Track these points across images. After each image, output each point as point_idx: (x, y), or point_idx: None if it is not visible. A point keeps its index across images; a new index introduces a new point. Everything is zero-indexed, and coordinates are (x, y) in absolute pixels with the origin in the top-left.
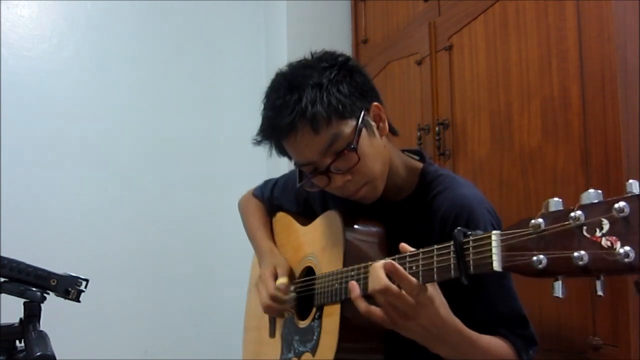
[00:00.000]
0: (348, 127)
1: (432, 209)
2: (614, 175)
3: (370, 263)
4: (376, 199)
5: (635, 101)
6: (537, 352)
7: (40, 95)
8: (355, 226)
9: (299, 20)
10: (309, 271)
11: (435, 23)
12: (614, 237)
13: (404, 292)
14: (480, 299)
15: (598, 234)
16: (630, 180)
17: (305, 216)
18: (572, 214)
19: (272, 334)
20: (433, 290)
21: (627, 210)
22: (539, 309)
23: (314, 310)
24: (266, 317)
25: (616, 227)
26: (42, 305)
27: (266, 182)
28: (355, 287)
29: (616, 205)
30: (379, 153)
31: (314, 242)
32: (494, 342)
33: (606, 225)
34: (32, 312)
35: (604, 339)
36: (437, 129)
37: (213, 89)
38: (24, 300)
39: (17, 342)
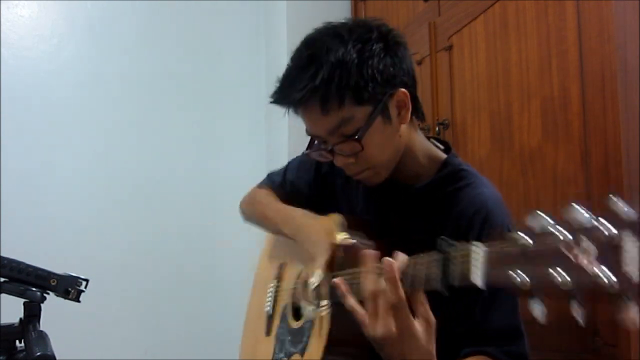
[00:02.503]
0: (362, 112)
1: (451, 202)
2: (614, 175)
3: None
4: (379, 183)
5: (635, 101)
6: None
7: (40, 95)
8: (353, 231)
9: (299, 20)
10: None
11: (435, 23)
12: (597, 260)
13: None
14: (479, 309)
15: (582, 255)
16: (616, 199)
17: (321, 197)
18: (557, 233)
19: (267, 333)
20: (420, 330)
21: (613, 232)
22: None
23: None
24: (264, 317)
25: (601, 251)
26: (42, 305)
27: (271, 172)
28: (341, 284)
29: (602, 228)
30: (390, 142)
31: None
32: None
33: (591, 248)
34: (32, 312)
35: (604, 339)
36: (437, 129)
37: (213, 89)
38: (24, 300)
39: (17, 342)
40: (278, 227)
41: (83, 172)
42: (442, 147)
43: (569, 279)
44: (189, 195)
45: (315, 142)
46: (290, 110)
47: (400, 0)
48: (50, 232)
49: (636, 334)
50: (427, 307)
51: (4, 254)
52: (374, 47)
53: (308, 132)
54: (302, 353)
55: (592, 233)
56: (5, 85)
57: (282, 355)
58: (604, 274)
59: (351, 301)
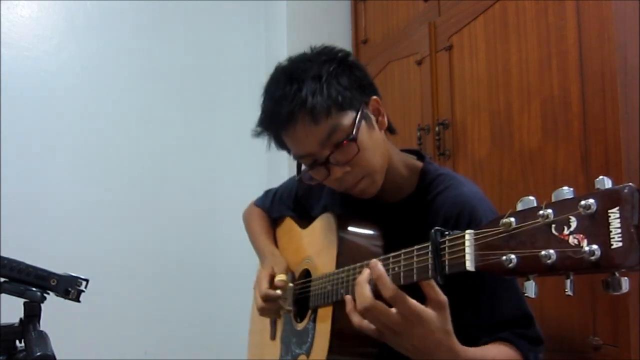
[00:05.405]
0: (347, 118)
1: (434, 209)
2: (614, 175)
3: (360, 264)
4: (374, 194)
5: (635, 101)
6: (543, 351)
7: (40, 95)
8: (350, 228)
9: (299, 21)
10: (307, 273)
11: (435, 23)
12: (581, 235)
13: (393, 308)
14: (485, 300)
15: (566, 231)
16: (601, 177)
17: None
18: (541, 212)
19: (272, 337)
20: (432, 313)
21: (593, 207)
22: (539, 309)
23: (310, 312)
24: (268, 320)
25: (583, 225)
26: (42, 305)
27: (267, 193)
28: (349, 301)
29: (582, 202)
30: (378, 146)
31: (311, 245)
32: (498, 355)
33: (574, 223)
34: (32, 312)
35: (604, 339)
36: (437, 129)
37: (213, 89)
38: (24, 300)
39: (17, 342)
40: (255, 251)
41: (83, 172)
42: (414, 156)
43: (557, 257)
44: (190, 196)
45: (303, 167)
46: (274, 138)
47: (400, 0)
48: (50, 232)
49: (636, 334)
50: (437, 289)
51: (4, 254)
52: (340, 64)
53: (297, 155)
54: (307, 353)
55: (578, 211)
56: (5, 85)
57: (288, 357)
58: (591, 249)
59: (357, 318)
